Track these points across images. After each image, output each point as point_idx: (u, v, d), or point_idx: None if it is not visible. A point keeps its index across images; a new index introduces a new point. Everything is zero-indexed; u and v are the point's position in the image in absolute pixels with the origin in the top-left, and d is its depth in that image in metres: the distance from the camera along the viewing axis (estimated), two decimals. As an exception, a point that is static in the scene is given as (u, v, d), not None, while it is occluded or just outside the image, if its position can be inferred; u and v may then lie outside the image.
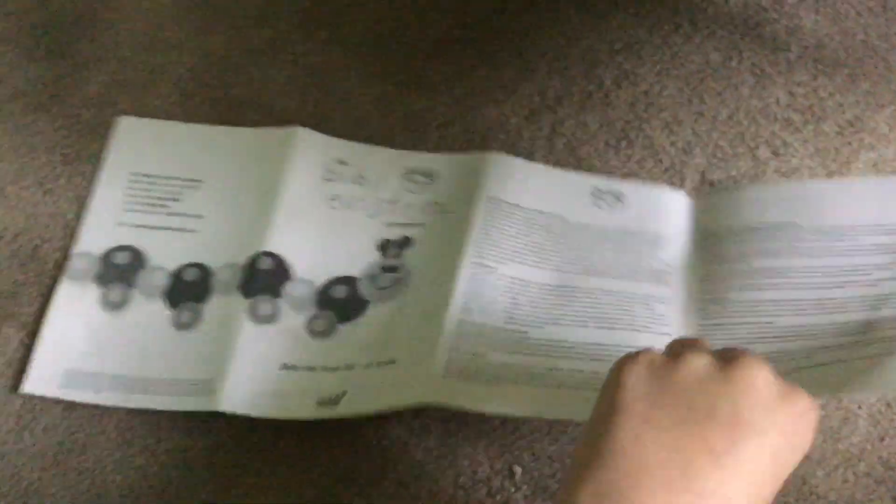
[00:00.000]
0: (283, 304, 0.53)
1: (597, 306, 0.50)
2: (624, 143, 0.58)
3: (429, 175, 0.56)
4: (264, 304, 0.53)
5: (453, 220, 0.54)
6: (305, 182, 0.57)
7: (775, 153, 0.56)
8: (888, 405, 0.48)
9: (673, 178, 0.56)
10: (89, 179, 0.59)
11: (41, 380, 0.52)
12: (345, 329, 0.52)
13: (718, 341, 0.42)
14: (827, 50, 0.60)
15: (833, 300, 0.48)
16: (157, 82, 0.63)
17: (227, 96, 0.63)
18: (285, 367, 0.51)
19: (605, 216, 0.53)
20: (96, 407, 0.51)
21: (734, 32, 0.62)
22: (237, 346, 0.51)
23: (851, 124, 0.57)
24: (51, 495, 0.50)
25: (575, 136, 0.58)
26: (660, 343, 0.41)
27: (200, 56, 0.65)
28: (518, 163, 0.56)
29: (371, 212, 0.56)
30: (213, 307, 0.53)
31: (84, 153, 0.60)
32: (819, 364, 0.46)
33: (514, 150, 0.57)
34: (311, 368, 0.51)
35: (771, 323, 0.48)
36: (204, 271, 0.54)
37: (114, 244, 0.56)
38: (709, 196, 0.54)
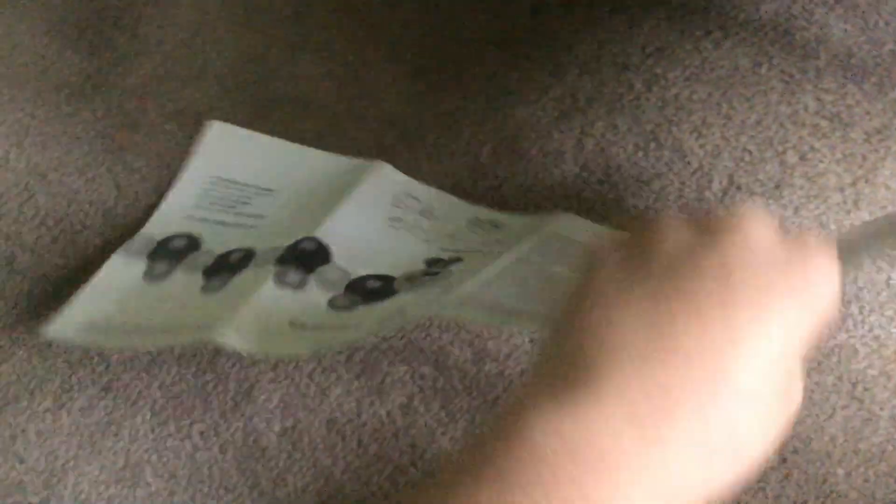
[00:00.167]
0: (312, 280, 0.53)
1: None
2: (653, 146, 0.59)
3: (496, 225, 0.57)
4: (293, 274, 0.53)
5: (507, 245, 0.53)
6: (372, 202, 0.57)
7: (803, 158, 0.57)
8: (910, 408, 0.49)
9: (700, 180, 0.57)
10: (129, 169, 0.60)
11: (63, 325, 0.53)
12: (366, 308, 0.52)
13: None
14: (855, 58, 0.61)
15: None
16: (198, 77, 0.65)
17: (265, 91, 0.64)
18: (293, 324, 0.51)
19: None
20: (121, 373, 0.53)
21: (764, 39, 0.62)
22: (251, 297, 0.51)
23: (879, 132, 0.58)
24: (86, 473, 0.51)
25: (605, 138, 0.59)
26: None
27: (240, 52, 0.66)
28: (582, 223, 0.54)
29: (429, 238, 0.56)
30: (244, 275, 0.54)
31: (126, 143, 0.62)
32: None
33: (543, 150, 0.59)
34: (318, 328, 0.51)
35: None
36: (249, 253, 0.55)
37: (175, 231, 0.57)
38: None
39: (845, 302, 0.52)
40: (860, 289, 0.52)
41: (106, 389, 0.53)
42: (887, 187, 0.56)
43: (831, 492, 0.47)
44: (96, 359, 0.54)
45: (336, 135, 0.61)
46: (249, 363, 0.53)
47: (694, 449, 0.27)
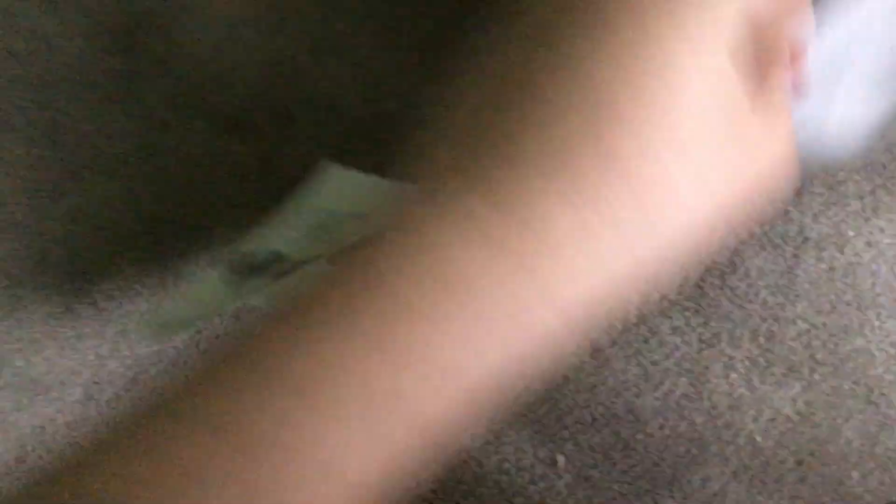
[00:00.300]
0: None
1: None
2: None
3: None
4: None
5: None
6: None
7: (822, 166, 0.58)
8: (927, 413, 0.49)
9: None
10: (160, 169, 0.62)
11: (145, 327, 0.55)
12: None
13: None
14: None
15: None
16: (229, 81, 0.67)
17: (293, 95, 0.65)
18: None
19: None
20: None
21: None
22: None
23: (899, 141, 0.59)
24: (113, 463, 0.53)
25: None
26: None
27: (269, 57, 0.68)
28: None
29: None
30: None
31: (158, 145, 0.63)
32: None
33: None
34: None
35: None
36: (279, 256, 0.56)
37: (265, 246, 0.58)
38: None
39: (863, 308, 0.52)
40: (878, 294, 0.53)
41: (134, 382, 0.55)
42: (906, 195, 0.56)
43: (846, 493, 0.47)
44: (125, 352, 0.55)
45: (359, 137, 0.63)
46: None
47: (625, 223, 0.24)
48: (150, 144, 0.63)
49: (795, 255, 0.54)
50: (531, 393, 0.52)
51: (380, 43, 0.68)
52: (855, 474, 0.48)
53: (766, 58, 0.24)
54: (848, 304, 0.52)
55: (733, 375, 0.51)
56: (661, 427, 0.50)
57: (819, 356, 0.51)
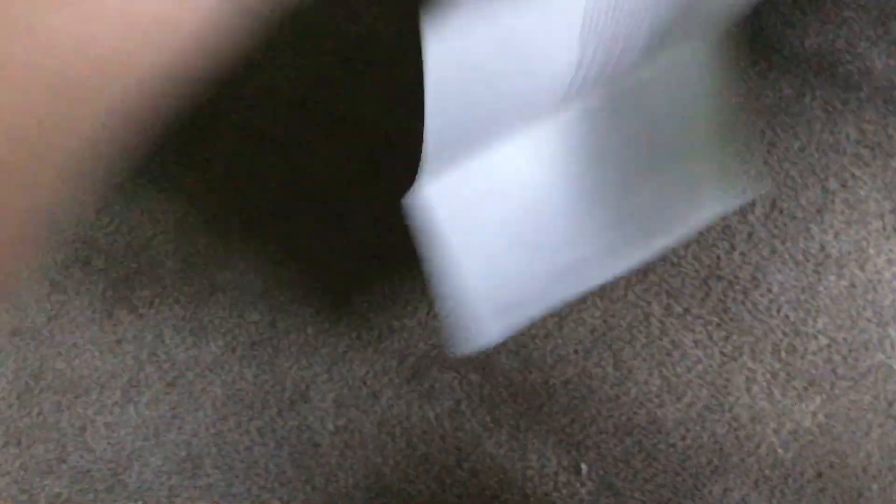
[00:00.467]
0: None
1: None
2: (697, 170, 0.61)
3: None
4: None
5: None
6: None
7: (844, 185, 0.59)
8: (947, 429, 0.50)
9: (744, 203, 0.59)
10: (200, 181, 0.64)
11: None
12: None
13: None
14: (898, 91, 0.63)
15: None
16: (267, 98, 0.69)
17: (330, 113, 0.68)
18: None
19: None
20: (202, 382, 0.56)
21: (808, 71, 0.64)
22: None
23: (920, 162, 0.60)
24: (150, 464, 0.54)
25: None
26: None
27: (306, 75, 0.70)
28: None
29: None
30: None
31: (195, 159, 0.66)
32: None
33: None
34: None
35: None
36: None
37: None
38: None
39: (883, 323, 0.53)
40: (898, 311, 0.54)
41: (171, 385, 0.56)
42: (927, 215, 0.57)
43: (866, 506, 0.48)
44: (163, 356, 0.57)
45: (389, 151, 0.65)
46: (306, 366, 0.56)
47: None
48: (187, 159, 0.66)
49: (817, 272, 0.55)
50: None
51: (411, 59, 0.70)
52: (874, 487, 0.48)
53: None
54: (868, 319, 0.53)
55: (755, 388, 0.52)
56: (683, 438, 0.51)
57: (839, 370, 0.52)
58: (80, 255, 0.61)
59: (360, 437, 0.53)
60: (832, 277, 0.54)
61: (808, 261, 0.55)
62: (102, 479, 0.54)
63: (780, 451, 0.51)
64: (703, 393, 0.52)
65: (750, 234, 0.57)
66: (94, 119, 0.22)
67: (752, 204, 0.59)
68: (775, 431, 0.51)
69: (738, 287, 0.55)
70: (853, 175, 0.59)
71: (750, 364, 0.53)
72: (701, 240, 0.57)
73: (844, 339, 0.53)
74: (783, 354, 0.53)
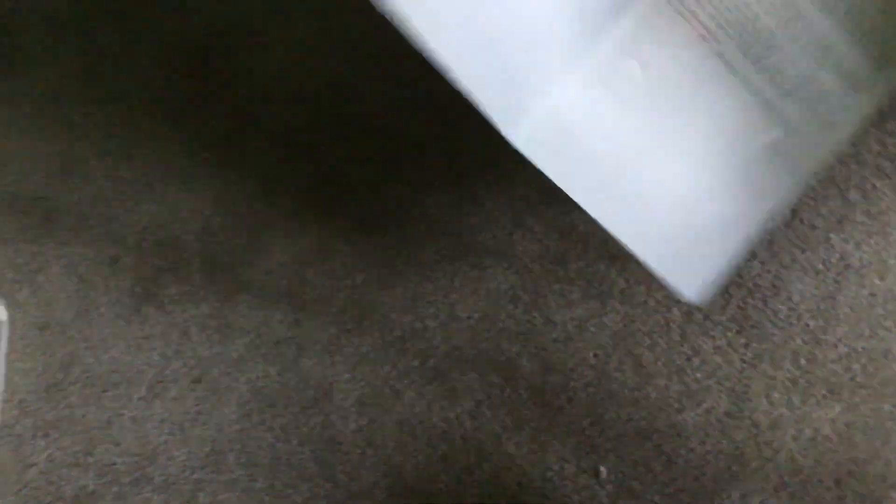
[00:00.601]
0: None
1: None
2: (718, 180, 0.61)
3: None
4: None
5: None
6: None
7: (864, 196, 0.59)
8: (966, 439, 0.50)
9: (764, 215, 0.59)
10: (227, 181, 0.65)
11: None
12: None
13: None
14: (920, 105, 0.63)
15: None
16: (290, 101, 0.70)
17: (348, 116, 0.68)
18: None
19: None
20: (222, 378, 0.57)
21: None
22: None
23: (941, 175, 0.60)
24: (175, 458, 0.55)
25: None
26: None
27: (327, 82, 0.71)
28: None
29: None
30: None
31: (224, 162, 0.67)
32: None
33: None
34: None
35: None
36: None
37: None
38: None
39: (903, 334, 0.53)
40: (918, 322, 0.54)
41: (196, 382, 0.57)
42: (948, 227, 0.58)
43: (885, 514, 0.48)
44: (189, 353, 0.58)
45: (412, 157, 0.65)
46: (329, 365, 0.56)
47: None
48: (216, 160, 0.67)
49: (837, 282, 0.55)
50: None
51: (433, 71, 0.71)
52: (893, 495, 0.49)
53: None
54: (888, 329, 0.53)
55: (774, 395, 0.53)
56: (703, 443, 0.52)
57: (859, 379, 0.52)
58: (110, 253, 0.62)
59: (381, 436, 0.54)
60: (852, 287, 0.55)
61: (828, 270, 0.56)
62: (128, 472, 0.55)
63: (799, 458, 0.51)
64: (723, 399, 0.53)
65: (770, 243, 0.57)
66: None
67: (773, 214, 0.59)
68: (794, 438, 0.52)
69: (758, 295, 0.55)
70: (874, 186, 0.60)
71: (770, 371, 0.54)
72: (722, 248, 0.58)
73: (864, 348, 0.53)
74: (803, 362, 0.54)
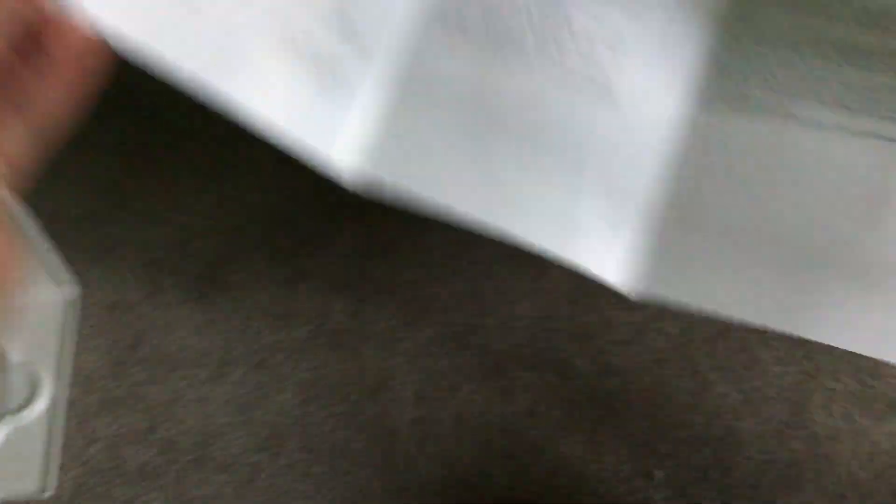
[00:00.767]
0: None
1: None
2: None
3: None
4: None
5: None
6: None
7: None
8: None
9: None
10: (295, 169, 0.66)
11: None
12: None
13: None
14: None
15: None
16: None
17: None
18: None
19: None
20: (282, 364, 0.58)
21: None
22: None
23: None
24: (234, 439, 0.57)
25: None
26: None
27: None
28: None
29: None
30: None
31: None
32: None
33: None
34: None
35: None
36: None
37: None
38: None
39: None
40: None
41: (258, 366, 0.59)
42: None
43: (944, 532, 0.48)
44: (252, 338, 0.59)
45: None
46: (388, 356, 0.57)
47: None
48: (281, 153, 0.68)
49: (902, 297, 0.55)
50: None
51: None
52: (947, 512, 0.48)
53: None
54: (954, 347, 0.53)
55: (834, 407, 0.53)
56: (760, 452, 0.52)
57: (922, 396, 0.52)
58: (179, 237, 0.64)
59: (438, 429, 0.55)
60: (918, 303, 0.55)
61: (893, 285, 0.55)
62: (189, 451, 0.56)
63: (857, 471, 0.51)
64: (782, 409, 0.53)
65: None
66: None
67: (839, 226, 0.59)
68: (853, 452, 0.52)
69: (821, 307, 0.55)
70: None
71: (829, 384, 0.54)
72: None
73: (928, 365, 0.53)
74: (864, 375, 0.53)
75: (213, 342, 0.60)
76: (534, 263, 0.59)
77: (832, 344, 0.40)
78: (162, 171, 0.65)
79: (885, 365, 0.53)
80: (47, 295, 0.60)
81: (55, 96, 0.31)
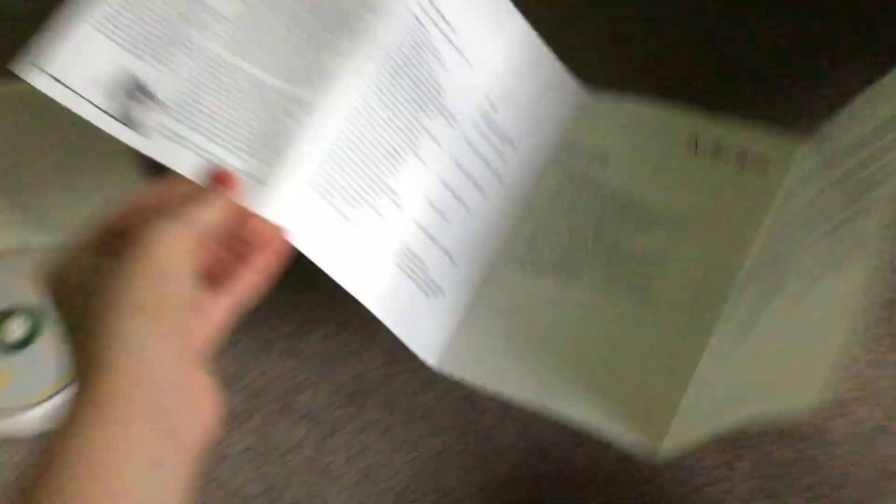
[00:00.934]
0: None
1: None
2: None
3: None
4: None
5: None
6: None
7: None
8: None
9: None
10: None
11: None
12: None
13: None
14: None
15: None
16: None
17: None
18: None
19: None
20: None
21: None
22: None
23: None
24: (319, 393, 0.58)
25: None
26: None
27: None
28: None
29: None
30: None
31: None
32: None
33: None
34: None
35: None
36: None
37: None
38: None
39: None
40: None
41: (343, 325, 0.59)
42: None
43: None
44: (339, 299, 0.60)
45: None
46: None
47: None
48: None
49: None
50: None
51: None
52: None
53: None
54: None
55: (929, 416, 0.51)
56: (850, 453, 0.51)
57: None
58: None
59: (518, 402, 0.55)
60: None
61: None
62: (274, 400, 0.58)
63: (949, 482, 0.50)
64: (874, 412, 0.52)
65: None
66: None
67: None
68: (946, 463, 0.50)
69: (921, 313, 0.54)
70: None
71: (925, 392, 0.52)
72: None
73: None
74: (962, 388, 0.52)
75: (301, 300, 0.60)
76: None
77: None
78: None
79: None
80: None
81: (253, 278, 0.43)
